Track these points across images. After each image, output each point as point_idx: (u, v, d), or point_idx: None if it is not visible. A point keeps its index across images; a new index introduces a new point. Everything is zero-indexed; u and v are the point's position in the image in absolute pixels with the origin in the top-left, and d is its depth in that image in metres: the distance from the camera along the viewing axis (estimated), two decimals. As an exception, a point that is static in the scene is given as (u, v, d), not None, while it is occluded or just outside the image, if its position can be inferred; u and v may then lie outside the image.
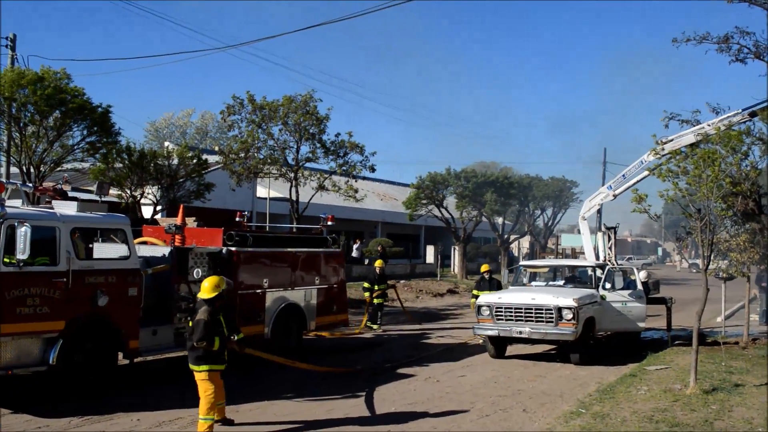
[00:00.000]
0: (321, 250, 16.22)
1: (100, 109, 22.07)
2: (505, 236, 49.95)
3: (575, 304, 15.34)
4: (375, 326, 21.07)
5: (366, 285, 21.97)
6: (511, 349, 17.00)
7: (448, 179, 41.58)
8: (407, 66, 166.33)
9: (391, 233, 50.63)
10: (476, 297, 18.24)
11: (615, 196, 20.42)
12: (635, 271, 18.85)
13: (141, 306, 11.77)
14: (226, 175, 26.88)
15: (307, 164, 26.90)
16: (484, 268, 20.41)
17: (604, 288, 17.21)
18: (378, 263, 22.67)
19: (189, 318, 9.95)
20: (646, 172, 19.00)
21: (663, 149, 17.59)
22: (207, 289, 9.49)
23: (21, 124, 20.82)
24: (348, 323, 17.80)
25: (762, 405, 11.08)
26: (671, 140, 17.76)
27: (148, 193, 26.38)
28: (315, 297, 15.67)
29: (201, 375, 9.38)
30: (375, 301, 21.49)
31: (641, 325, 17.81)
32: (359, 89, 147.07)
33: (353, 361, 15.63)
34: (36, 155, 21.33)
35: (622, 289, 17.45)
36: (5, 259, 10.07)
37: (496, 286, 19.43)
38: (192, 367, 9.48)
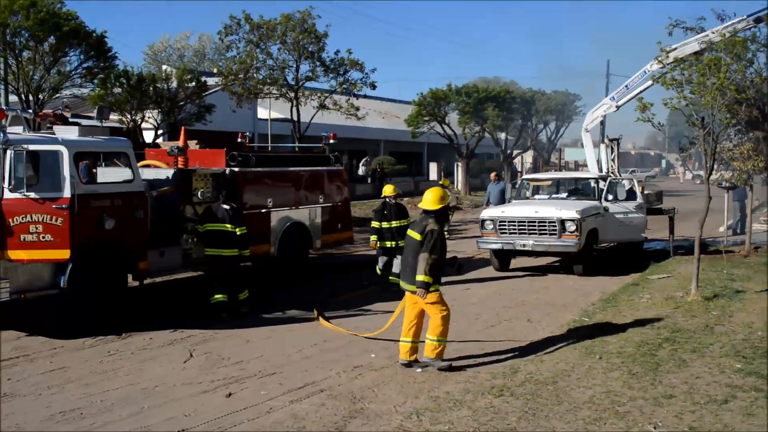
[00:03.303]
0: (324, 168, 16.20)
1: (95, 33, 21.78)
2: (509, 151, 49.80)
3: (578, 216, 15.44)
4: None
5: None
6: (515, 262, 17.20)
7: (449, 95, 41.09)
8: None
9: (394, 151, 50.54)
10: (376, 230, 14.42)
11: (618, 107, 20.31)
12: (636, 182, 18.89)
13: (147, 228, 11.83)
14: (226, 97, 26.73)
15: (307, 83, 26.70)
16: (387, 190, 14.67)
17: (606, 200, 17.25)
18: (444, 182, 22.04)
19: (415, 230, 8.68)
20: (649, 82, 18.78)
21: (667, 57, 17.35)
22: (430, 201, 8.66)
23: (16, 51, 20.57)
24: (353, 241, 17.95)
25: (762, 310, 11.28)
26: (675, 48, 17.51)
27: (148, 117, 26.28)
28: (320, 215, 15.73)
29: (433, 296, 8.52)
30: None
31: (643, 235, 18.03)
32: (355, 6, 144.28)
33: (360, 277, 15.82)
34: (34, 82, 21.16)
35: (624, 200, 17.53)
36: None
37: (401, 214, 14.46)
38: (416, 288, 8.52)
